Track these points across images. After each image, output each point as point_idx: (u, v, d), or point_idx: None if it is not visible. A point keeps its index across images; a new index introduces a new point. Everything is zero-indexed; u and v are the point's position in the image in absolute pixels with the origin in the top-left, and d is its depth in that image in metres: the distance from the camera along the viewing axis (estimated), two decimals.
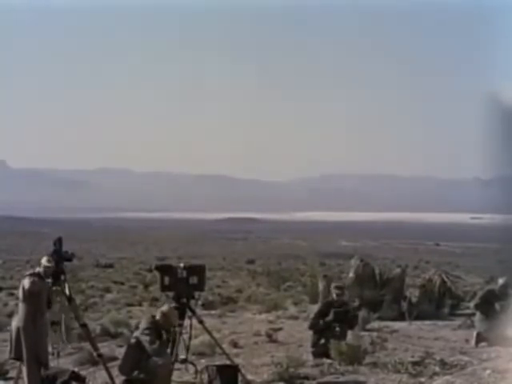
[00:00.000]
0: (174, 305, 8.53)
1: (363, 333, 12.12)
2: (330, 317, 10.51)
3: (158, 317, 8.13)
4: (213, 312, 17.86)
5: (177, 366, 8.57)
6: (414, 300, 16.47)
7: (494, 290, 12.38)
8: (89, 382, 8.39)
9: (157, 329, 8.11)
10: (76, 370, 8.37)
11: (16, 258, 58.37)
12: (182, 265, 8.69)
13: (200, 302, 14.76)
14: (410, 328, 14.17)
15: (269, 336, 12.50)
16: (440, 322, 15.10)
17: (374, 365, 9.62)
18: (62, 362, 8.14)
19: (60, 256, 7.90)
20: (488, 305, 12.02)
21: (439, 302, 16.68)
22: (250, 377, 8.96)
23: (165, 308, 8.30)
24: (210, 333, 9.22)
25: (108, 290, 28.15)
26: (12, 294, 23.94)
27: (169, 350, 8.30)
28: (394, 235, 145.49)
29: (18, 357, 7.63)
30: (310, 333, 10.81)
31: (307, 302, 19.37)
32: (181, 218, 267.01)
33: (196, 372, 8.53)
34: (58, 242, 7.99)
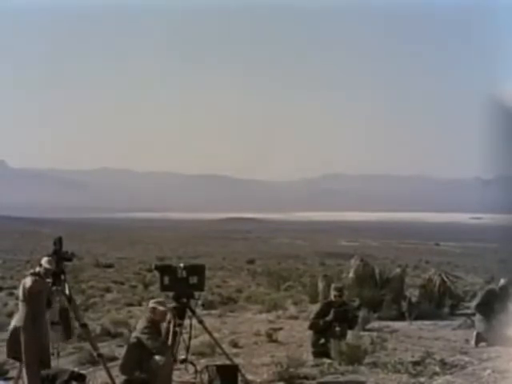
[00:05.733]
0: (173, 305, 8.53)
1: (363, 333, 12.10)
2: (330, 317, 10.50)
3: (152, 314, 8.17)
4: (213, 312, 17.85)
5: (177, 365, 8.57)
6: (413, 300, 16.46)
7: (495, 290, 12.38)
8: (89, 382, 8.38)
9: (155, 326, 8.13)
10: (76, 369, 8.36)
11: (16, 258, 58.33)
12: (181, 265, 8.67)
13: (200, 302, 14.75)
14: (410, 328, 14.15)
15: (269, 336, 12.48)
16: (440, 322, 15.07)
17: (374, 365, 9.61)
18: (62, 362, 8.13)
19: (60, 256, 7.89)
20: (488, 305, 12.02)
21: (439, 302, 16.66)
22: (250, 377, 8.95)
23: (151, 304, 8.32)
24: (210, 333, 9.22)
25: (108, 290, 28.15)
26: (12, 294, 23.96)
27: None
28: (394, 235, 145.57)
29: (14, 356, 7.63)
30: (310, 333, 10.79)
31: (307, 302, 19.34)
32: (181, 218, 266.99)
33: (196, 372, 8.53)
34: (58, 241, 7.99)
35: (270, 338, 12.38)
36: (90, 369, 9.52)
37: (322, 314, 10.67)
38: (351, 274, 17.14)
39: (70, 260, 8.06)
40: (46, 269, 7.66)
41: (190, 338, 8.63)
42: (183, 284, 8.52)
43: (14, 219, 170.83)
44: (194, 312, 8.69)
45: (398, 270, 18.13)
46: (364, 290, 16.14)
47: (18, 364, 7.81)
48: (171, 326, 8.43)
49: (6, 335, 7.84)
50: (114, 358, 9.82)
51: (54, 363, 7.76)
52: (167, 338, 8.32)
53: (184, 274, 8.54)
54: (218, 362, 9.10)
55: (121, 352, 9.06)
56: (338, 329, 10.41)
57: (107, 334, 13.43)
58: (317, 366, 9.72)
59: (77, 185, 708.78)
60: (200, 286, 8.68)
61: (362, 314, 13.41)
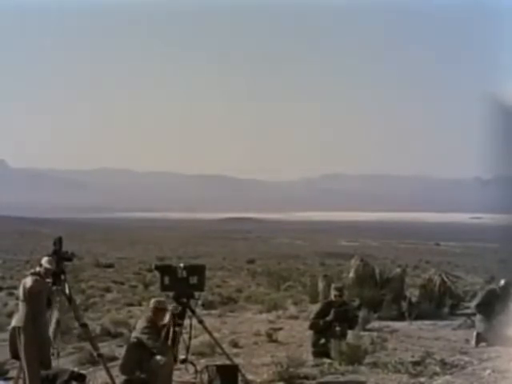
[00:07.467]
0: (173, 305, 8.53)
1: (363, 333, 12.10)
2: (331, 316, 10.50)
3: (152, 314, 8.19)
4: (213, 312, 17.85)
5: (177, 365, 8.58)
6: (414, 300, 16.46)
7: (495, 290, 12.38)
8: (89, 382, 8.38)
9: (155, 326, 8.14)
10: (76, 369, 8.36)
11: (16, 258, 58.35)
12: (181, 265, 8.68)
13: (200, 302, 14.76)
14: (410, 328, 14.15)
15: (269, 336, 12.49)
16: (440, 322, 15.07)
17: (374, 365, 9.61)
18: (61, 362, 8.13)
19: (60, 256, 7.89)
20: (489, 305, 12.02)
21: (439, 302, 16.66)
22: (250, 377, 8.96)
23: (152, 304, 8.33)
24: (210, 333, 9.22)
25: (108, 290, 28.17)
26: (12, 294, 23.96)
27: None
28: (394, 235, 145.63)
29: (15, 356, 7.64)
30: (310, 333, 10.80)
31: (307, 302, 19.35)
32: (181, 218, 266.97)
33: (196, 372, 8.54)
34: (58, 241, 7.99)
35: (270, 338, 12.39)
36: (90, 369, 9.53)
37: (322, 313, 10.67)
38: (351, 274, 17.14)
39: (70, 260, 8.06)
40: (46, 269, 7.66)
41: (190, 338, 8.64)
42: (183, 284, 8.52)
43: (14, 219, 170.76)
44: (194, 312, 8.70)
45: (398, 270, 18.13)
46: (364, 290, 16.13)
47: (17, 364, 7.81)
48: (171, 325, 8.43)
49: (6, 335, 7.85)
50: (114, 358, 9.82)
51: (54, 363, 7.77)
52: (167, 338, 8.33)
53: (184, 274, 8.54)
54: (218, 362, 9.10)
55: (121, 352, 9.07)
56: (338, 329, 10.41)
57: (107, 334, 13.44)
58: (317, 365, 9.73)
59: (77, 185, 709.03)
60: (200, 286, 8.69)
61: (362, 314, 13.41)
